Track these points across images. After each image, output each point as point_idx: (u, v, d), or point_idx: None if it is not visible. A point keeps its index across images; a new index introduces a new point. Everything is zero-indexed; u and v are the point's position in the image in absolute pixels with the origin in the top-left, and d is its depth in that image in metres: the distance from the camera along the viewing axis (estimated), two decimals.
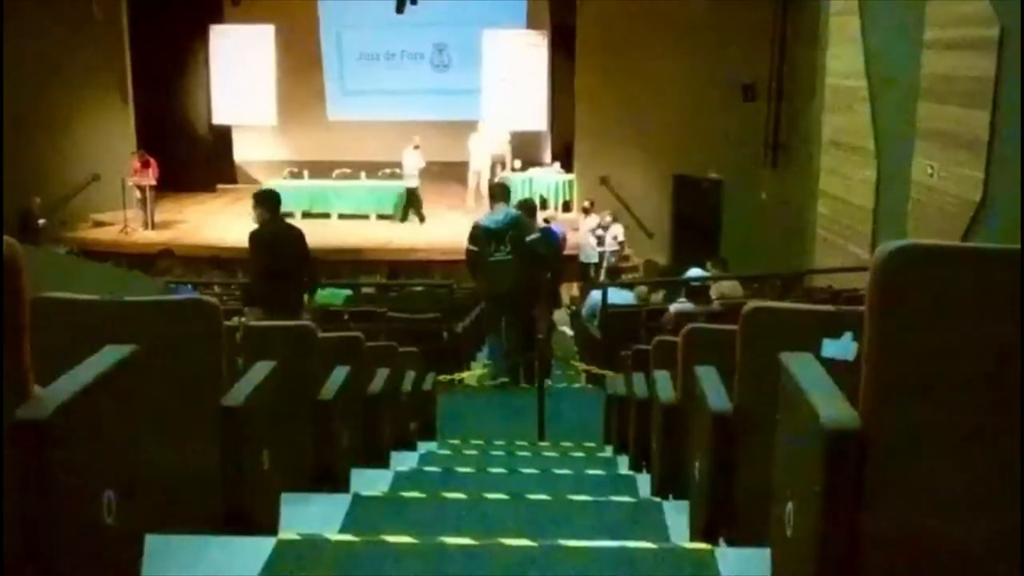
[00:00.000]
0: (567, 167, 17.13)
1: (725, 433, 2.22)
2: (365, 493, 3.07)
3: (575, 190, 16.69)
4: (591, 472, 4.00)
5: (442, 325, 8.23)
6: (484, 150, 16.14)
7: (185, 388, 2.19)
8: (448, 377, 7.02)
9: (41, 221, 14.10)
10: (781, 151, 13.60)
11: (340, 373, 3.31)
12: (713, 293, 8.69)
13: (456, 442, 5.62)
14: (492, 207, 7.69)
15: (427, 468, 4.14)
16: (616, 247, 14.58)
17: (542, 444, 5.71)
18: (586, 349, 9.39)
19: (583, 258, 14.33)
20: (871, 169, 9.87)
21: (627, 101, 15.29)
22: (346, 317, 7.79)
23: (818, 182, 11.51)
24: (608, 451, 5.23)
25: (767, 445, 2.17)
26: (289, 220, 15.25)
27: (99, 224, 15.40)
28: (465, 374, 7.71)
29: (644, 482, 3.68)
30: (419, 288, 10.02)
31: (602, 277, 13.72)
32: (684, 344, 3.17)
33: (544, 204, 15.01)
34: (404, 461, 4.33)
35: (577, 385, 8.23)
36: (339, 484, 3.18)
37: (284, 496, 2.75)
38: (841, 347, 2.09)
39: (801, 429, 1.41)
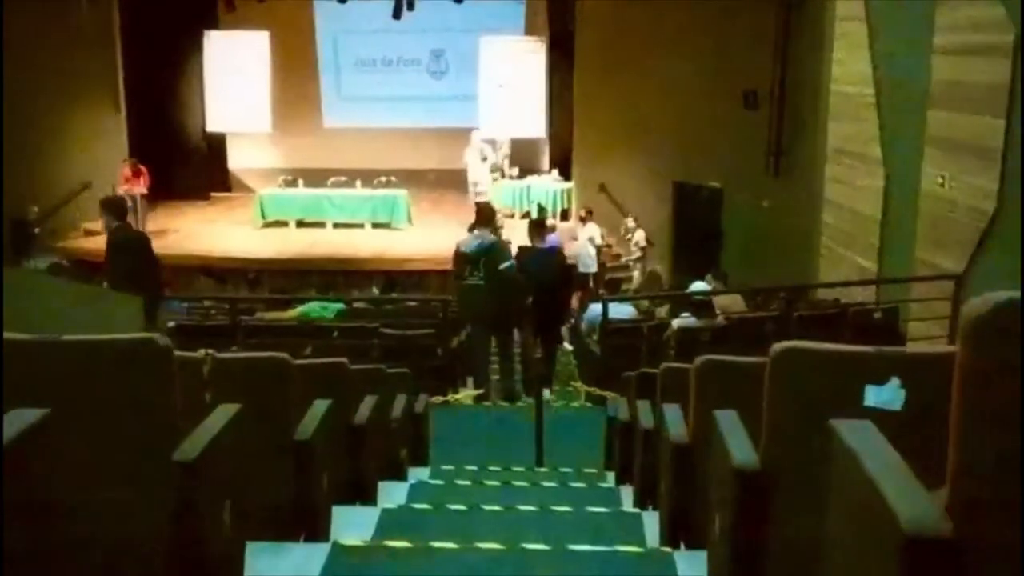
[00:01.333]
0: (565, 175, 16.88)
1: (752, 491, 1.94)
2: (346, 541, 2.78)
3: (573, 198, 16.43)
4: (593, 510, 3.71)
5: (436, 341, 7.95)
6: (480, 158, 15.87)
7: (132, 442, 1.91)
8: (442, 399, 6.73)
9: (36, 230, 13.83)
10: (784, 159, 13.32)
11: (320, 407, 3.02)
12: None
13: (450, 468, 5.33)
14: (476, 229, 7.65)
15: (416, 505, 3.85)
16: (639, 253, 14.35)
17: (540, 471, 5.41)
18: (585, 365, 9.11)
19: (581, 268, 14.01)
20: (878, 178, 9.61)
21: (626, 108, 15.03)
22: (335, 334, 7.50)
23: (823, 191, 11.23)
24: (610, 479, 4.94)
25: (800, 503, 1.90)
26: (284, 229, 15.43)
27: (90, 233, 15.08)
28: (460, 394, 7.43)
29: (651, 521, 3.40)
30: (413, 303, 9.72)
31: (635, 278, 13.51)
32: (696, 376, 2.89)
33: (542, 212, 14.76)
34: (392, 494, 4.04)
35: (576, 404, 7.94)
36: (318, 529, 2.90)
37: (254, 547, 2.47)
38: (887, 395, 1.82)
39: (865, 523, 1.13)
